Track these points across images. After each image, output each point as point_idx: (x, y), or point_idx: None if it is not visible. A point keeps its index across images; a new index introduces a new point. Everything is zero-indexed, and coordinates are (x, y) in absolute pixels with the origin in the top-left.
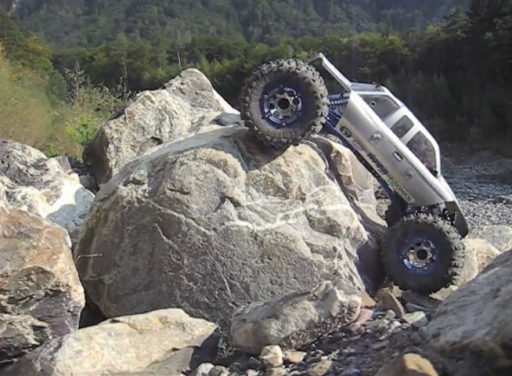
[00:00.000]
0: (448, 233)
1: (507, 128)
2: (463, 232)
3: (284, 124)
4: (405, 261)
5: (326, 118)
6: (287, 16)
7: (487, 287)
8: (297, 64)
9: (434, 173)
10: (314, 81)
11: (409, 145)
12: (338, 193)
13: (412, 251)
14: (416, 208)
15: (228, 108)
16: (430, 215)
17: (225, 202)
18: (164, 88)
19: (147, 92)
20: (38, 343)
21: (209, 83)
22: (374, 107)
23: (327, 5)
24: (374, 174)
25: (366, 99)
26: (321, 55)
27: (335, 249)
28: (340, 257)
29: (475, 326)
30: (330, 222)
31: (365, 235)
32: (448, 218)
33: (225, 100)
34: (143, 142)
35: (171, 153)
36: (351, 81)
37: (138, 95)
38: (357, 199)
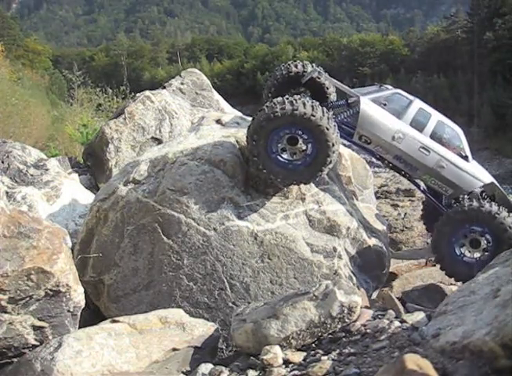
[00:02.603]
0: (498, 214)
1: (507, 128)
2: (509, 210)
3: (291, 166)
4: (461, 256)
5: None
6: (287, 16)
7: (487, 287)
8: (313, 109)
9: (465, 158)
10: (328, 129)
11: (433, 136)
12: (338, 193)
13: (464, 242)
14: (454, 199)
15: (228, 108)
16: (474, 201)
17: (225, 202)
18: (164, 88)
19: (147, 92)
20: (38, 343)
21: (209, 83)
22: (387, 107)
23: (327, 5)
24: (404, 175)
25: (377, 100)
26: (314, 67)
27: (335, 249)
28: (340, 257)
29: (475, 326)
30: (330, 222)
31: (365, 235)
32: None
33: (225, 100)
34: (143, 142)
35: (171, 153)
36: (352, 87)
37: (138, 95)
38: (357, 199)
